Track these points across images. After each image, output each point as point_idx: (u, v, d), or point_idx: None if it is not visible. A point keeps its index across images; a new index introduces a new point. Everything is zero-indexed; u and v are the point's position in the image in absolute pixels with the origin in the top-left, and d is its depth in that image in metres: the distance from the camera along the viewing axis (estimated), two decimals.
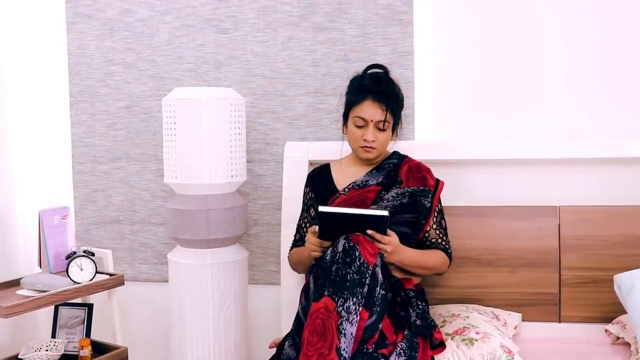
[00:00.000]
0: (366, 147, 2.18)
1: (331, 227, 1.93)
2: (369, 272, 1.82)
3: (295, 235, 2.33)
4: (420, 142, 2.65)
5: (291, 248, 2.32)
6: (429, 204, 2.22)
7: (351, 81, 2.26)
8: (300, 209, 2.36)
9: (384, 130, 2.18)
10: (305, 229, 2.29)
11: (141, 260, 3.04)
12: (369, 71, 2.25)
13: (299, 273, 2.32)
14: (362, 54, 2.73)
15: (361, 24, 2.73)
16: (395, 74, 2.31)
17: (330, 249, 1.88)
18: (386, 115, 2.15)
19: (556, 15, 2.61)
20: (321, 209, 1.90)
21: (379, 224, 1.91)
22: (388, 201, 2.19)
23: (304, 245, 2.11)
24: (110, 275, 2.60)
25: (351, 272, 1.81)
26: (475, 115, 2.70)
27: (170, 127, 2.46)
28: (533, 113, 2.65)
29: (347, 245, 1.85)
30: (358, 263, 1.82)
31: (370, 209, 2.13)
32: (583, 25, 2.59)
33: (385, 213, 1.89)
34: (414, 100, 2.68)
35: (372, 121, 2.16)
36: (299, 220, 2.34)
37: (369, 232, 1.91)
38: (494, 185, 2.55)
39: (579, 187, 2.50)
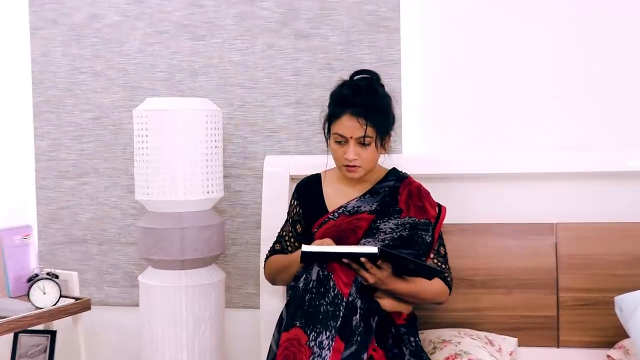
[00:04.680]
0: (349, 166, 2.13)
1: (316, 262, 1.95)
2: (344, 303, 1.82)
3: (275, 245, 2.29)
4: (408, 156, 2.65)
5: (269, 255, 2.29)
6: (429, 239, 2.16)
7: (332, 92, 2.19)
8: (284, 220, 2.33)
9: (366, 145, 2.11)
10: (288, 243, 2.26)
11: (110, 282, 3.03)
12: (355, 77, 2.19)
13: (276, 284, 2.28)
14: (347, 62, 2.73)
15: (345, 30, 2.74)
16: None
17: (304, 275, 1.88)
18: (366, 130, 2.07)
19: (551, 22, 2.63)
20: (304, 248, 1.88)
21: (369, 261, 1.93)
22: (386, 233, 2.13)
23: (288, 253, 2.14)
24: (76, 299, 2.57)
25: (325, 303, 1.82)
26: (467, 127, 2.70)
27: (142, 140, 2.47)
28: (528, 124, 2.66)
29: (321, 273, 1.85)
30: (332, 294, 1.83)
31: (361, 243, 2.10)
32: (580, 32, 2.62)
33: (375, 250, 1.86)
34: (401, 111, 2.67)
35: (351, 138, 2.09)
36: (282, 230, 2.31)
37: (362, 259, 1.89)
38: (486, 202, 2.55)
39: (577, 203, 2.50)
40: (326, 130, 2.19)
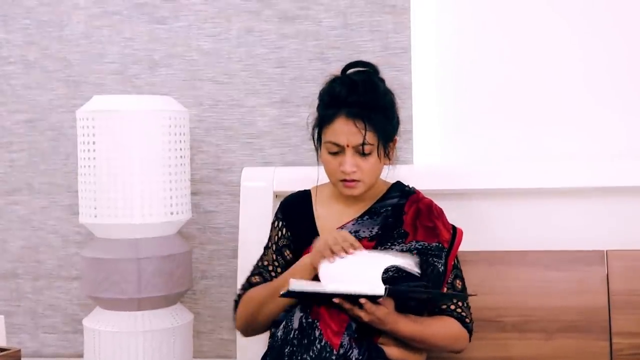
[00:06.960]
0: (346, 180, 2.00)
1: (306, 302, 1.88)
2: (333, 357, 1.74)
3: (251, 278, 2.13)
4: (420, 168, 2.58)
5: (244, 289, 2.13)
6: (442, 267, 2.02)
7: (321, 91, 2.11)
8: (264, 246, 2.18)
9: (367, 154, 1.99)
10: (274, 273, 2.10)
11: (47, 328, 2.92)
12: (349, 71, 2.09)
13: (251, 332, 2.10)
14: (344, 51, 2.67)
15: (342, 11, 2.69)
16: (386, 78, 2.13)
17: (284, 322, 1.80)
18: (365, 135, 1.95)
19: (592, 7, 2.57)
20: (292, 286, 1.77)
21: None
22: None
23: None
24: (2, 350, 2.29)
25: (308, 358, 1.74)
26: (492, 133, 2.64)
27: (88, 148, 2.41)
28: (569, 130, 2.58)
29: (304, 320, 1.77)
30: (318, 346, 1.74)
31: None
32: (621, 25, 2.56)
33: (381, 292, 1.76)
34: (411, 112, 2.60)
35: (348, 146, 1.97)
36: (262, 260, 2.15)
37: (362, 301, 1.78)
38: (518, 224, 2.41)
39: (633, 225, 2.35)
40: (316, 138, 2.09)
